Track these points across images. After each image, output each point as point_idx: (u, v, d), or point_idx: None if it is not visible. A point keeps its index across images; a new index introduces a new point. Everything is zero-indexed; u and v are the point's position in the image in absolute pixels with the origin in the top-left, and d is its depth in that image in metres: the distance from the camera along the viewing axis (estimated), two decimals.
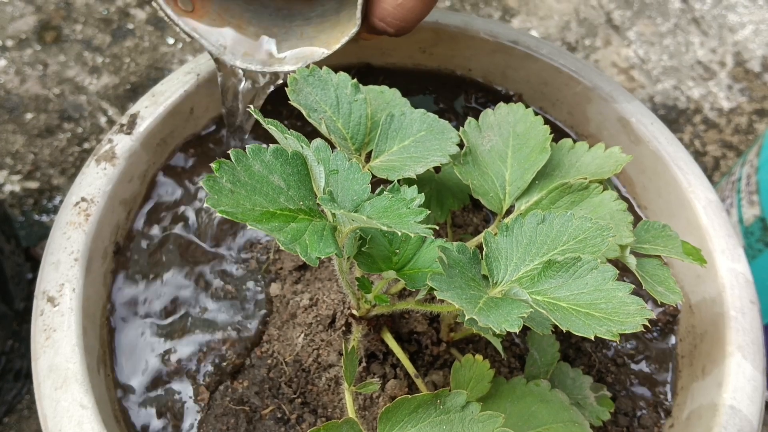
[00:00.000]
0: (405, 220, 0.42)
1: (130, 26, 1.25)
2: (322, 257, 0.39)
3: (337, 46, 0.58)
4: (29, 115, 1.15)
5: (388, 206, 0.44)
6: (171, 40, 1.24)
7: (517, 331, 0.38)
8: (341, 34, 0.59)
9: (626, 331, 0.39)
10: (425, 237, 0.50)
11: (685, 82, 1.29)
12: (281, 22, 0.63)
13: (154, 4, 0.58)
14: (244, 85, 0.63)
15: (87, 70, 1.20)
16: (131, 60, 1.22)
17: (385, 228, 0.38)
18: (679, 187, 0.67)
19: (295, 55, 0.61)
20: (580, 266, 0.43)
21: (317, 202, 0.40)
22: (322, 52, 0.59)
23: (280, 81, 0.63)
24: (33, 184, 1.10)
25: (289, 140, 0.42)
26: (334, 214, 0.42)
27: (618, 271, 0.42)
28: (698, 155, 1.22)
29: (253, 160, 0.40)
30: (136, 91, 1.19)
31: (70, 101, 1.17)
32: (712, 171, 1.22)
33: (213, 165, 0.38)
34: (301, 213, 0.41)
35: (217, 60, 0.61)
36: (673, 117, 1.26)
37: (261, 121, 0.42)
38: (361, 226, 0.41)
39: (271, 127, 0.42)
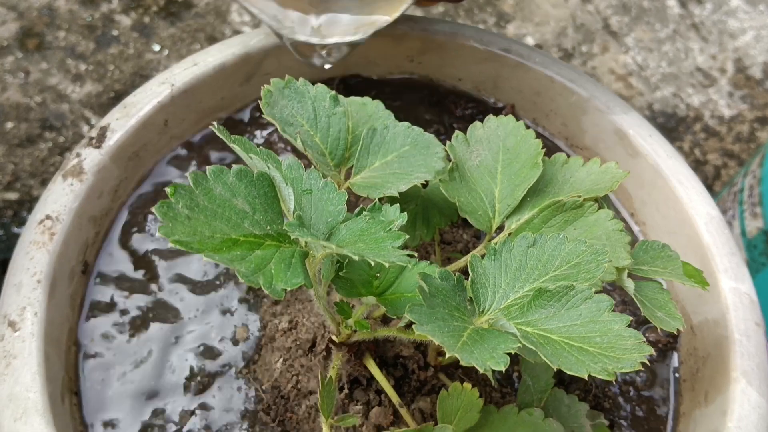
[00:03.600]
0: (382, 246, 0.38)
1: (115, 33, 1.22)
2: (289, 289, 0.35)
3: (397, 14, 0.57)
4: (9, 124, 1.12)
5: (364, 229, 0.41)
6: (156, 47, 1.21)
7: (503, 369, 0.34)
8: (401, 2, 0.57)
9: (623, 370, 0.35)
10: None
11: (685, 89, 1.26)
12: None
13: None
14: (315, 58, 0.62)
15: (70, 77, 1.17)
16: (115, 67, 1.19)
17: (356, 258, 0.35)
18: (680, 203, 0.63)
19: (355, 23, 0.59)
20: (573, 295, 0.39)
21: (284, 228, 0.37)
22: (385, 19, 0.58)
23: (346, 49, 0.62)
24: (12, 195, 1.07)
25: (254, 160, 0.38)
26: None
27: (614, 301, 0.39)
28: (698, 164, 1.19)
29: (214, 182, 0.37)
30: (119, 99, 1.15)
31: (52, 110, 1.14)
32: (713, 180, 1.19)
33: (168, 189, 0.35)
34: (268, 238, 0.38)
35: (278, 35, 0.60)
36: (673, 125, 1.22)
37: (225, 139, 0.39)
38: (332, 252, 0.38)
39: (235, 145, 0.39)
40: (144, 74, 1.19)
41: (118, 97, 1.16)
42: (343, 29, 0.60)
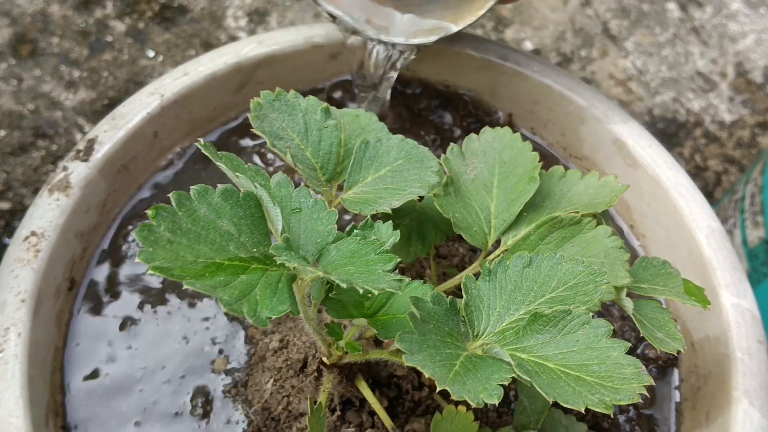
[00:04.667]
0: (372, 269, 0.37)
1: (109, 38, 1.21)
2: (274, 317, 0.34)
3: (482, 11, 0.60)
4: (2, 132, 1.10)
5: (355, 251, 0.39)
6: (151, 53, 1.20)
7: (496, 402, 0.33)
8: (484, 1, 0.59)
9: (621, 402, 0.34)
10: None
11: (685, 94, 1.24)
12: None
13: None
14: (382, 55, 0.63)
15: (63, 84, 1.16)
16: (109, 74, 1.18)
17: (344, 285, 0.33)
18: (680, 215, 0.62)
19: (433, 27, 0.62)
20: (570, 320, 0.38)
21: (270, 251, 0.35)
22: (463, 21, 0.61)
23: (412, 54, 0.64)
24: (4, 205, 1.05)
25: (241, 179, 0.37)
26: None
27: (612, 327, 0.37)
28: (699, 170, 1.18)
29: (198, 203, 0.35)
30: (113, 106, 1.13)
31: (45, 117, 1.13)
32: (713, 187, 1.17)
33: (149, 212, 0.33)
34: (254, 261, 0.37)
35: (355, 32, 0.62)
36: (673, 130, 1.21)
37: (211, 157, 0.38)
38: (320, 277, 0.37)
39: (221, 164, 0.37)
40: (138, 81, 1.17)
41: (112, 104, 1.14)
42: (424, 30, 0.62)
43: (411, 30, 0.62)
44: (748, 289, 0.58)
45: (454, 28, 0.62)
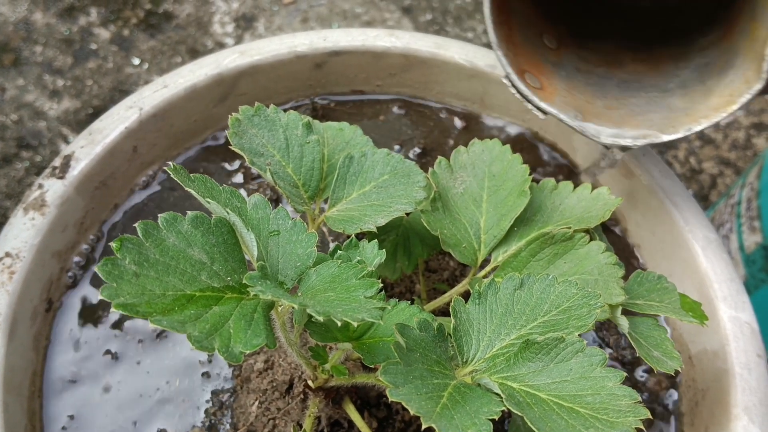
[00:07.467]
0: (353, 296, 0.35)
1: (93, 46, 1.19)
2: (248, 352, 0.32)
3: (732, 107, 0.52)
4: None
5: (336, 275, 0.38)
6: (136, 61, 1.18)
7: None
8: (728, 97, 0.53)
9: None
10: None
11: None
12: (636, 93, 0.60)
13: (504, 80, 0.57)
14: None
15: (47, 94, 1.14)
16: (94, 82, 1.15)
17: (321, 318, 0.31)
18: (676, 225, 0.60)
19: (653, 132, 0.56)
20: (563, 348, 0.36)
21: (244, 282, 0.33)
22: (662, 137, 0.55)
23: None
24: None
25: (212, 204, 0.35)
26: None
27: (607, 356, 0.36)
28: (694, 173, 1.16)
29: (167, 231, 0.33)
30: (98, 116, 1.12)
31: (29, 128, 1.11)
32: (708, 190, 1.16)
33: (113, 244, 0.31)
34: (228, 291, 0.35)
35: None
36: None
37: (181, 183, 0.36)
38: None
39: (192, 189, 0.35)
40: (123, 89, 1.15)
41: (97, 113, 1.12)
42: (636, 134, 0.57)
43: (632, 133, 0.56)
44: (747, 301, 0.57)
45: (696, 128, 0.54)
